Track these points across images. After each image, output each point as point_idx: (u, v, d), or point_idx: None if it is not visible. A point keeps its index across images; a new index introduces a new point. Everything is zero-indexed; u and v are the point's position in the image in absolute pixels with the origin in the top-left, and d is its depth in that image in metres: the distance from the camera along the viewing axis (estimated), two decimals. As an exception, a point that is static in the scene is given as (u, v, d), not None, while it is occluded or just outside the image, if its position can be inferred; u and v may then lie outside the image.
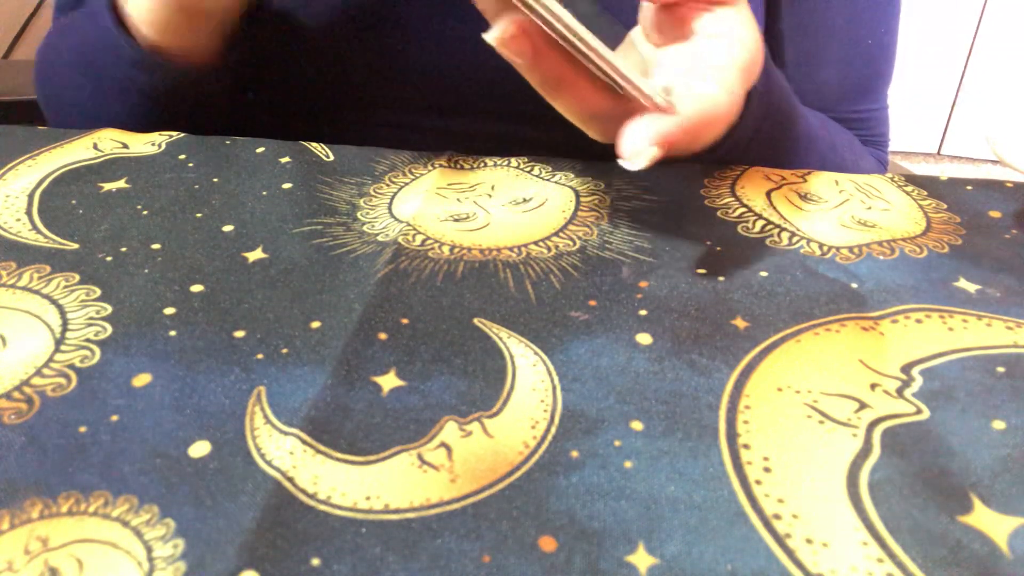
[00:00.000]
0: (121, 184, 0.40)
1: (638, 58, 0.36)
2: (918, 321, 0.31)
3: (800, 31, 0.55)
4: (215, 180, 0.40)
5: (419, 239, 0.36)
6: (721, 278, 0.34)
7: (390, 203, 0.39)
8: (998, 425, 0.27)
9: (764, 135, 0.43)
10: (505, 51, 0.31)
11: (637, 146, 0.30)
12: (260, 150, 0.43)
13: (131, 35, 0.45)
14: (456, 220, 0.37)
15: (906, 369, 0.29)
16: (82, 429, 0.26)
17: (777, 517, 0.24)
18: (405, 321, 0.31)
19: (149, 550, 0.22)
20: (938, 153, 2.08)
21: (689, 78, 0.33)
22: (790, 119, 0.46)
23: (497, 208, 0.38)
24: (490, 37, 0.31)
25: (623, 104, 0.33)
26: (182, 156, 0.42)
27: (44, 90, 0.53)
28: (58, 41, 0.51)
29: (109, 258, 0.34)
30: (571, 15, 0.30)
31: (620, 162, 0.31)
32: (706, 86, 0.32)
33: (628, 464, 0.25)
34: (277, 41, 0.51)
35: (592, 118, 0.34)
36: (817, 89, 0.56)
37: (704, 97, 0.32)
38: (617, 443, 0.26)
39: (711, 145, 0.41)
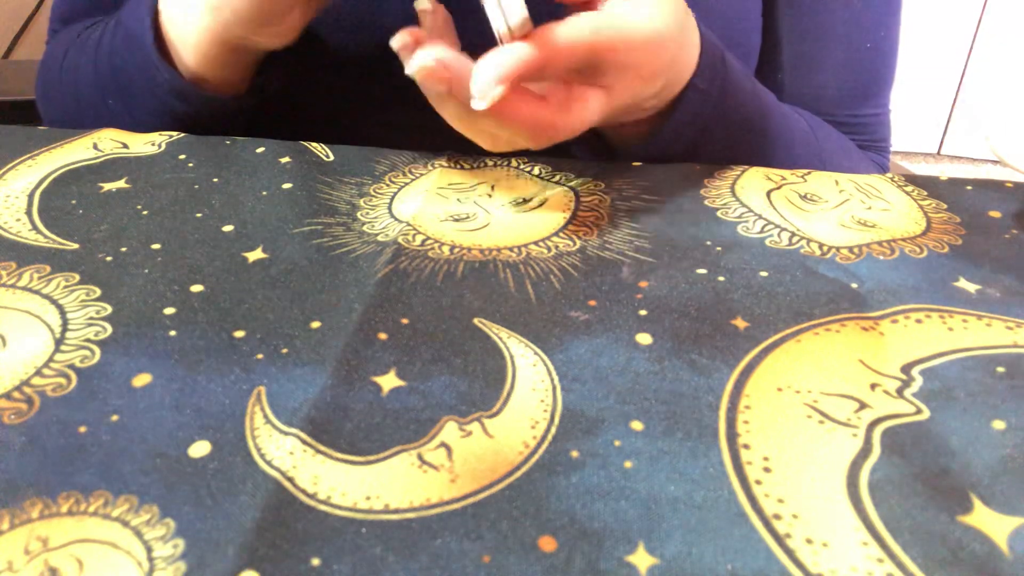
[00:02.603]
0: (121, 184, 0.40)
1: None
2: (918, 321, 0.31)
3: (798, 35, 0.55)
4: (215, 180, 0.40)
5: (419, 239, 0.36)
6: (721, 278, 0.34)
7: (390, 203, 0.39)
8: (998, 425, 0.27)
9: (717, 133, 0.43)
10: (425, 82, 0.33)
11: (482, 85, 0.30)
12: (260, 150, 0.43)
13: (172, 63, 0.45)
14: (456, 220, 0.37)
15: (906, 369, 0.29)
16: (82, 429, 0.26)
17: (777, 517, 0.24)
18: (405, 321, 0.31)
19: (149, 550, 0.22)
20: (938, 153, 2.08)
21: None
22: (754, 120, 0.46)
23: (497, 208, 0.38)
24: (410, 70, 0.33)
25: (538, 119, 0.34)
26: (182, 156, 0.42)
27: (55, 108, 0.53)
28: (80, 60, 0.50)
29: (109, 258, 0.34)
30: None
31: (472, 103, 0.30)
32: (584, 21, 0.32)
33: (628, 464, 0.25)
34: None
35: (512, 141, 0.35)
36: (816, 93, 0.56)
37: (572, 26, 0.31)
38: (617, 443, 0.26)
39: (644, 133, 0.42)
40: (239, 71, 0.46)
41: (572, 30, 0.33)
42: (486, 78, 0.31)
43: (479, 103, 0.31)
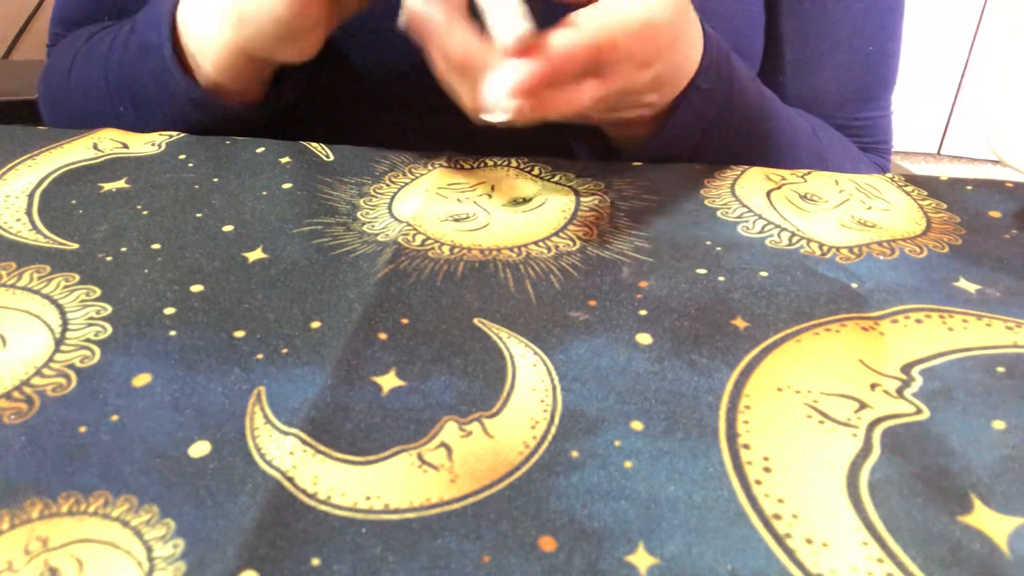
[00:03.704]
0: (121, 184, 0.40)
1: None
2: (918, 321, 0.31)
3: (801, 37, 0.55)
4: (215, 180, 0.40)
5: (419, 239, 0.36)
6: (721, 278, 0.34)
7: (390, 203, 0.39)
8: (998, 425, 0.27)
9: (722, 133, 0.43)
10: (412, 33, 0.33)
11: (495, 96, 0.30)
12: (260, 150, 0.43)
13: (189, 72, 0.45)
14: (456, 220, 0.37)
15: (906, 369, 0.29)
16: (82, 429, 0.26)
17: (777, 517, 0.24)
18: (405, 321, 0.31)
19: (149, 550, 0.22)
20: (938, 153, 2.08)
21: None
22: (758, 121, 0.46)
23: (497, 208, 0.38)
24: (400, 23, 0.33)
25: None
26: (182, 156, 0.42)
27: (62, 116, 0.52)
28: (90, 70, 0.50)
29: (109, 258, 0.34)
30: None
31: (483, 116, 0.30)
32: (580, 22, 0.32)
33: (628, 464, 0.25)
34: None
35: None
36: (817, 95, 0.56)
37: (570, 31, 0.31)
38: (617, 443, 0.26)
39: (646, 135, 0.41)
40: (256, 82, 0.46)
41: (576, 35, 0.33)
42: (497, 93, 0.31)
43: (493, 116, 0.31)
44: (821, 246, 0.36)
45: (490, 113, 0.30)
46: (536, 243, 0.36)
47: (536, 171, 0.42)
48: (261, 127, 0.50)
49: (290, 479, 0.24)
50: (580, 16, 0.34)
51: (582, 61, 0.34)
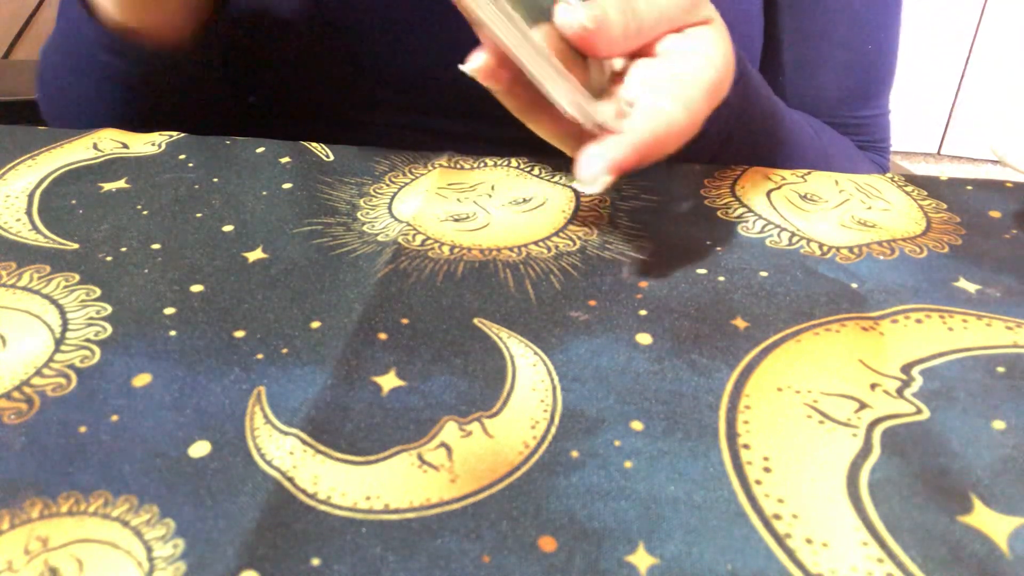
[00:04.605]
0: (121, 184, 0.40)
1: (598, 74, 0.36)
2: (918, 321, 0.31)
3: (800, 36, 0.55)
4: (215, 180, 0.40)
5: (419, 239, 0.36)
6: (721, 278, 0.34)
7: (390, 203, 0.39)
8: (998, 425, 0.27)
9: (738, 141, 0.43)
10: (482, 80, 0.33)
11: (592, 173, 0.31)
12: (260, 150, 0.43)
13: (102, 22, 0.44)
14: (456, 220, 0.37)
15: (906, 369, 0.29)
16: (82, 429, 0.26)
17: (777, 517, 0.24)
18: (405, 321, 0.31)
19: (149, 550, 0.22)
20: (938, 153, 2.08)
21: (651, 93, 0.33)
22: (770, 126, 0.46)
23: (497, 208, 0.38)
24: (468, 68, 0.32)
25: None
26: (182, 156, 0.42)
27: (43, 94, 0.53)
28: (50, 42, 0.51)
29: (109, 258, 0.34)
30: (527, 46, 0.31)
31: (575, 185, 0.31)
32: (665, 102, 0.32)
33: (628, 464, 0.25)
34: (277, 42, 0.51)
35: (566, 138, 0.35)
36: (816, 94, 0.56)
37: (661, 113, 0.32)
38: (617, 443, 0.26)
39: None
40: (166, 15, 0.45)
41: (678, 117, 0.32)
42: (593, 170, 0.31)
43: (588, 188, 0.31)
44: (821, 246, 0.36)
45: (586, 186, 0.31)
46: (536, 243, 0.36)
47: (536, 171, 0.42)
48: (260, 126, 0.50)
49: (290, 479, 0.24)
50: (669, 95, 0.32)
51: (668, 134, 0.33)
